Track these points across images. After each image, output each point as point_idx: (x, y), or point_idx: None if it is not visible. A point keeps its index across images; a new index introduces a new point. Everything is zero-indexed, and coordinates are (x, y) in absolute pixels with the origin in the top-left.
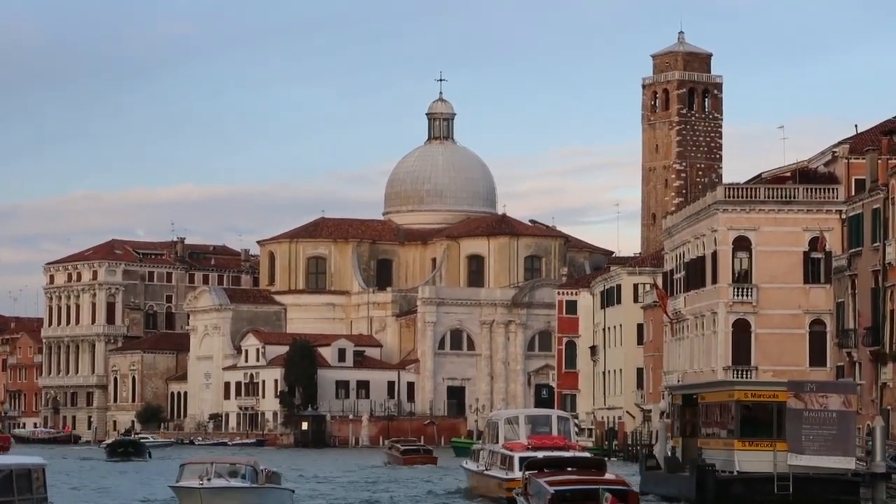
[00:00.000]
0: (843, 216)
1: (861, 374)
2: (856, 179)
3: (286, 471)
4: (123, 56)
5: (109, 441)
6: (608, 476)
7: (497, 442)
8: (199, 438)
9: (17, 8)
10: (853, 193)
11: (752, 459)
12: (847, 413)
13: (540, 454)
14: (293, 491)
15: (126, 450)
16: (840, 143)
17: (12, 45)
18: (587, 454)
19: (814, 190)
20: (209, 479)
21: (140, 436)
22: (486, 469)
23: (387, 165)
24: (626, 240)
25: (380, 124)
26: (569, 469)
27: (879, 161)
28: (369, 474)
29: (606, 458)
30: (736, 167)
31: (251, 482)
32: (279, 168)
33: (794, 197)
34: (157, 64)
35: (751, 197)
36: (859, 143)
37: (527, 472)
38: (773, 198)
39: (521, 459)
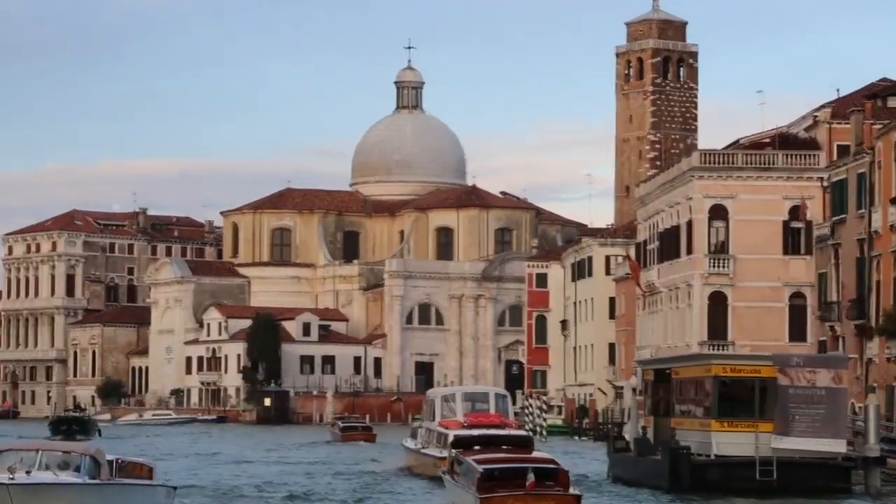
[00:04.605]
0: (826, 183)
1: (845, 349)
2: (838, 145)
3: (242, 449)
4: (92, 29)
5: (54, 417)
6: (538, 454)
7: (434, 419)
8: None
9: None
10: (835, 159)
11: (731, 442)
12: (837, 390)
13: (475, 432)
14: (175, 488)
15: (70, 427)
16: (821, 107)
17: None
18: (522, 432)
19: (794, 156)
20: (28, 473)
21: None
22: (423, 447)
23: (356, 137)
24: (599, 216)
25: (349, 95)
26: (503, 447)
27: (864, 124)
28: (299, 455)
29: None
30: (712, 138)
31: (89, 476)
32: (250, 141)
33: (774, 163)
34: (126, 37)
35: (728, 163)
36: (841, 107)
37: (453, 451)
38: (751, 164)
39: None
